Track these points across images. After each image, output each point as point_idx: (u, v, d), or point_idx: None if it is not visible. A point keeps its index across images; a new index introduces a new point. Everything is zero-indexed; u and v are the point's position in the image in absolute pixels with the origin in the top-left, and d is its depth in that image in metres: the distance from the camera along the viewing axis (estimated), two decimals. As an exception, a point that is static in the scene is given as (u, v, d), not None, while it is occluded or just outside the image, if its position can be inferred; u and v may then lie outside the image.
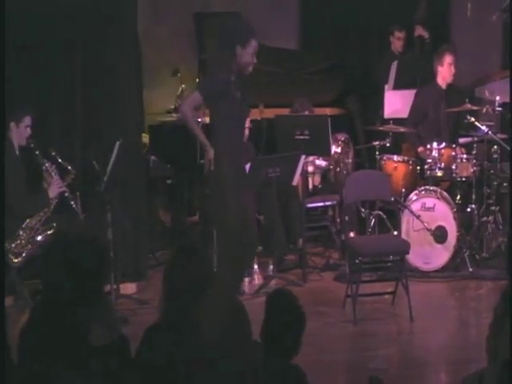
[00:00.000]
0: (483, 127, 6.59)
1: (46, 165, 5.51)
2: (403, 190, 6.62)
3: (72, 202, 5.51)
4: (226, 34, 5.23)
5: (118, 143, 5.61)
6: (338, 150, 6.97)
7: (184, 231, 7.21)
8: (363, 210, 6.56)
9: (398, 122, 6.94)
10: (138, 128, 6.37)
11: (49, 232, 5.45)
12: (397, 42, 7.90)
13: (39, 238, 5.44)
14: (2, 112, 5.11)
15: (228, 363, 2.34)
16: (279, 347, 2.81)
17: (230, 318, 2.39)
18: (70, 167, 5.56)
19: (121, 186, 5.85)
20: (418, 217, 6.29)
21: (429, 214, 6.38)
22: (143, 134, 6.83)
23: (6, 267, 5.09)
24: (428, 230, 6.32)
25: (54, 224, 5.47)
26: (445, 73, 6.85)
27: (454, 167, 6.56)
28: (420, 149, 6.83)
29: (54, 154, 5.51)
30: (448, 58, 6.81)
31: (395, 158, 6.77)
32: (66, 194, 5.52)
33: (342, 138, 7.00)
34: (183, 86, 7.51)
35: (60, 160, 5.52)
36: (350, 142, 7.14)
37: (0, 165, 4.77)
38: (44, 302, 2.39)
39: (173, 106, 7.52)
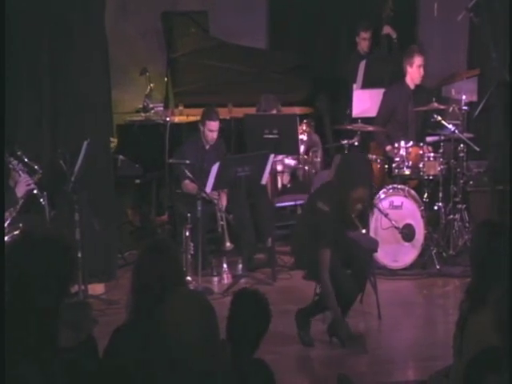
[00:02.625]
0: (450, 126, 6.65)
1: (13, 163, 5.44)
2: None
3: (41, 200, 5.44)
4: (344, 169, 5.01)
5: (85, 143, 5.57)
6: (304, 137, 6.96)
7: (153, 231, 7.19)
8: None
9: (366, 120, 6.97)
10: (106, 127, 6.33)
11: (15, 232, 5.38)
12: (363, 42, 7.94)
13: (5, 238, 5.37)
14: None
15: (196, 362, 2.34)
16: (241, 345, 2.81)
17: (198, 316, 2.38)
18: (36, 167, 5.50)
19: (89, 186, 5.81)
20: (386, 215, 6.32)
21: (397, 212, 6.42)
22: (111, 139, 6.80)
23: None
24: (396, 228, 6.35)
25: (21, 224, 5.41)
26: (413, 74, 6.90)
27: (421, 166, 6.61)
28: (388, 147, 6.88)
29: (19, 153, 5.45)
30: (417, 60, 6.85)
31: (363, 156, 6.81)
32: (35, 192, 5.44)
33: (304, 127, 6.98)
34: (151, 85, 7.49)
35: (26, 160, 5.46)
36: (313, 124, 7.13)
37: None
38: (9, 302, 2.37)
39: (141, 106, 7.48)
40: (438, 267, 6.41)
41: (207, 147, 6.56)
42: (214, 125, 6.46)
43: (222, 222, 6.34)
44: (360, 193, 4.85)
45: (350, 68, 7.79)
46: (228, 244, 6.29)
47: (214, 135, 6.49)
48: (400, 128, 6.94)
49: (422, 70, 6.87)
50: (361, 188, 4.85)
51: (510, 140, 6.52)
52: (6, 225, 5.38)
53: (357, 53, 7.93)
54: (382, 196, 6.49)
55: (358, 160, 5.21)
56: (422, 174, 6.63)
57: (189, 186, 6.32)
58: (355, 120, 7.03)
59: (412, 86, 6.94)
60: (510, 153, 6.47)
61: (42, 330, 2.27)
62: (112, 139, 6.91)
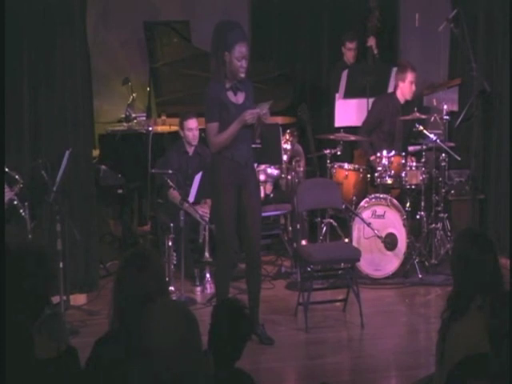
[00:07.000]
0: (431, 135, 6.69)
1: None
2: (354, 197, 6.68)
3: (21, 211, 5.41)
4: (213, 41, 5.07)
5: (67, 152, 5.55)
6: (288, 146, 6.96)
7: (135, 241, 7.16)
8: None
9: (348, 130, 6.99)
10: (88, 137, 6.31)
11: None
12: (348, 52, 7.95)
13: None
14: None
15: (178, 373, 2.33)
16: (223, 355, 2.80)
17: (180, 327, 2.37)
18: (17, 177, 5.46)
19: (70, 196, 5.78)
20: (368, 224, 6.35)
21: (379, 221, 6.44)
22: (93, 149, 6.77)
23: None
24: (378, 237, 6.38)
25: None
26: (405, 89, 6.93)
27: (403, 175, 6.64)
28: (372, 157, 6.90)
29: (-1, 163, 5.41)
30: (410, 76, 6.88)
31: (346, 166, 6.83)
32: (15, 202, 5.41)
33: (287, 136, 6.98)
34: (134, 95, 7.47)
35: (7, 170, 5.42)
36: (297, 134, 7.13)
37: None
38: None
39: (123, 115, 7.46)
40: (420, 276, 6.44)
41: (190, 153, 6.57)
42: (191, 122, 6.49)
43: (204, 232, 6.34)
44: (239, 49, 4.92)
45: (334, 77, 7.81)
46: (207, 255, 6.30)
47: (196, 133, 6.52)
48: (385, 139, 6.97)
49: (413, 86, 6.92)
50: (237, 45, 4.91)
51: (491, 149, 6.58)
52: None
53: (343, 63, 7.96)
54: (365, 205, 6.51)
55: (225, 24, 5.14)
56: (404, 183, 6.66)
57: (175, 194, 6.30)
58: (338, 129, 7.06)
59: (402, 101, 6.97)
60: (487, 161, 6.52)
61: (20, 342, 2.24)
62: (94, 149, 6.88)
